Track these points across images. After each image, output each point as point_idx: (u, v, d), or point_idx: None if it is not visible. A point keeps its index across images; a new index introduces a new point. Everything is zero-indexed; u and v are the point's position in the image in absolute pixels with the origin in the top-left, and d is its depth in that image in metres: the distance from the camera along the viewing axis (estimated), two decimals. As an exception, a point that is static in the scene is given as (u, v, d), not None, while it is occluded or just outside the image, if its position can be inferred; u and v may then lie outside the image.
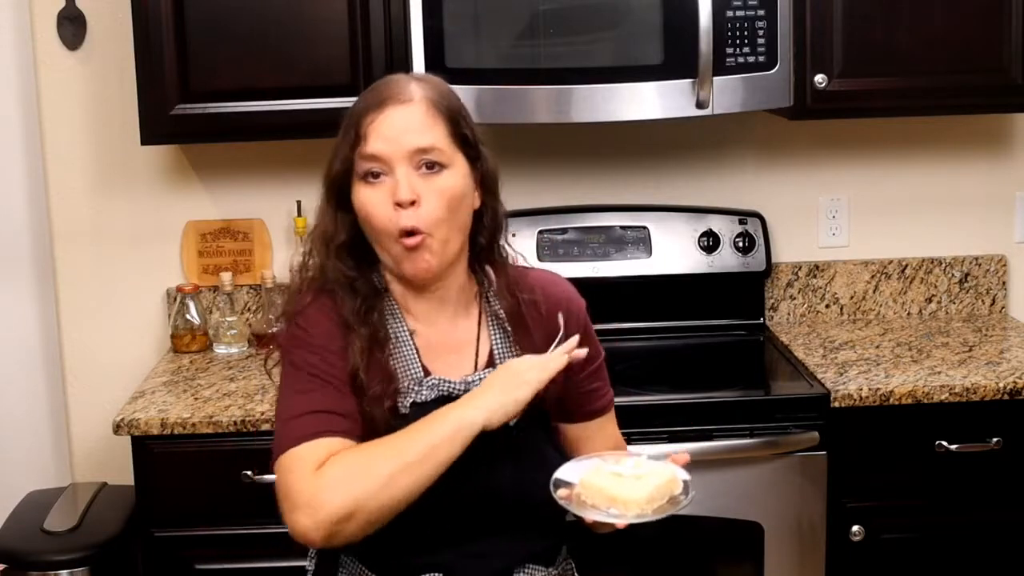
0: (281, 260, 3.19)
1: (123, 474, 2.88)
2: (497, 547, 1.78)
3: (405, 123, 1.75)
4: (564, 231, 3.15)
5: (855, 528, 2.70)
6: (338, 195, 1.80)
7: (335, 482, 1.63)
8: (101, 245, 3.20)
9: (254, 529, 2.59)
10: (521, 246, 3.04)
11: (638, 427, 2.61)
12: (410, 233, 1.74)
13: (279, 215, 3.20)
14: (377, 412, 1.74)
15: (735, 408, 2.68)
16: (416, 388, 1.78)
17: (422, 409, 1.75)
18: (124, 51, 2.99)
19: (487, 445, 1.72)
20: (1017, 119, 3.25)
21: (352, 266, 1.81)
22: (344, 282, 1.80)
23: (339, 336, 1.77)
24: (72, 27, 3.10)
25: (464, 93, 2.68)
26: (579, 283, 3.06)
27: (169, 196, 3.18)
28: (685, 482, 1.72)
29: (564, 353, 1.76)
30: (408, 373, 1.79)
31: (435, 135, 1.76)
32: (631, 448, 2.00)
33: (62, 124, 3.15)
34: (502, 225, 1.88)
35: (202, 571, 2.67)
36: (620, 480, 1.70)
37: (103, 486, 3.02)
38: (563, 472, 1.76)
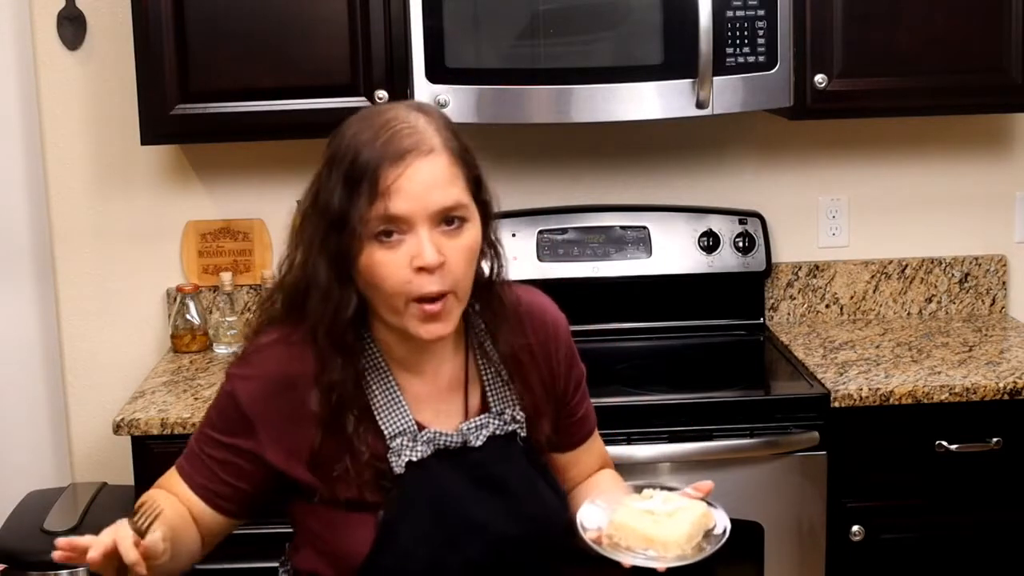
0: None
1: (123, 474, 2.88)
2: None
3: (431, 178, 1.58)
4: (564, 231, 3.15)
5: (855, 528, 2.70)
6: (344, 259, 1.61)
7: None
8: (101, 245, 3.19)
9: (253, 529, 2.58)
10: (521, 246, 3.10)
11: (638, 427, 2.61)
12: (432, 298, 1.59)
13: (279, 215, 3.19)
14: (366, 475, 1.64)
15: (735, 408, 2.68)
16: (411, 445, 1.66)
17: (419, 467, 1.66)
18: (124, 51, 2.99)
19: (480, 499, 1.68)
20: (1017, 119, 3.24)
21: (352, 333, 1.65)
22: (341, 347, 1.65)
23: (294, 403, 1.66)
24: (72, 27, 3.09)
25: (464, 93, 2.72)
26: (579, 283, 3.11)
27: (169, 196, 3.18)
28: (724, 528, 1.64)
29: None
30: (401, 429, 1.67)
31: (458, 189, 1.61)
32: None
33: (62, 124, 3.15)
34: (504, 262, 1.73)
35: (200, 571, 2.65)
36: (654, 519, 1.61)
37: (103, 486, 3.01)
38: (584, 514, 1.68)
